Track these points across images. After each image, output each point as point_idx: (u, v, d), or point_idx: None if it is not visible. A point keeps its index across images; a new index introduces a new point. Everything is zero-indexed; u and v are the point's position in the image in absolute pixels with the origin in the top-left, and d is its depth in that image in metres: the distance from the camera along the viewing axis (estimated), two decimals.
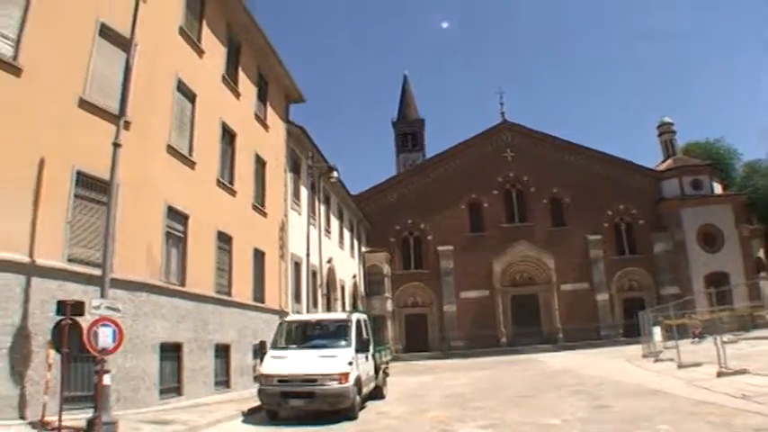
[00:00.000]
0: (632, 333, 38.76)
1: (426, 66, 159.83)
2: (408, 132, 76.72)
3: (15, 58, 12.06)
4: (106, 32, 14.31)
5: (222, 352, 18.78)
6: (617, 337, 45.70)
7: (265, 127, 24.82)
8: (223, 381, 18.72)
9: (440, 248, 49.98)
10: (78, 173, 13.00)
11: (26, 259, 11.68)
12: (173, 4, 17.58)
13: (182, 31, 17.94)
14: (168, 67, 16.85)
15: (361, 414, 13.55)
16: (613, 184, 50.33)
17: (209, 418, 12.84)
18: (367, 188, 52.56)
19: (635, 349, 30.96)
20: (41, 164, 12.20)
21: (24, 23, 12.27)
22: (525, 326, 48.00)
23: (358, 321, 15.00)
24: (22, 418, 11.12)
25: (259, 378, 14.00)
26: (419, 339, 48.44)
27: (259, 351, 17.79)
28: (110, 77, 13.97)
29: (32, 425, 10.76)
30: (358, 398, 13.42)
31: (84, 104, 13.52)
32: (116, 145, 11.89)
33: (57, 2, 13.07)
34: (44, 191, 12.17)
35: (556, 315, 47.83)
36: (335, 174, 27.41)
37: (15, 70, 12.03)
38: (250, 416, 13.87)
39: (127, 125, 12.87)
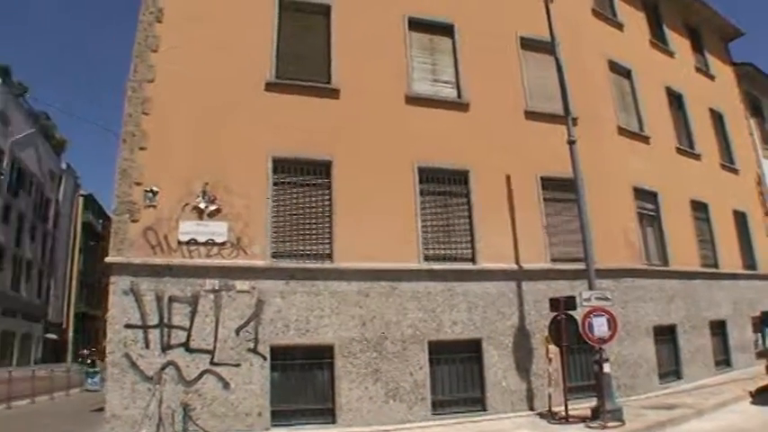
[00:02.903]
0: None
1: None
2: None
3: (459, 96, 13.47)
4: (527, 43, 14.65)
5: (718, 329, 16.69)
6: None
7: (710, 77, 21.58)
8: (722, 360, 16.58)
9: None
10: (541, 178, 13.44)
11: (514, 267, 12.55)
12: None
13: (595, 13, 16.88)
14: (594, 52, 15.98)
15: None
16: None
17: (714, 401, 11.81)
18: None
19: None
20: (507, 179, 13.07)
21: (457, 65, 13.67)
22: None
23: None
24: (531, 409, 11.79)
25: (764, 354, 11.97)
26: None
27: (759, 324, 15.37)
28: (544, 82, 14.05)
29: (540, 415, 11.27)
30: None
31: (530, 115, 13.98)
32: (571, 142, 11.79)
33: (477, 33, 14.05)
34: (516, 202, 13.00)
35: None
36: None
37: (463, 107, 13.40)
38: (758, 396, 12.20)
39: (574, 121, 12.57)
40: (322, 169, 11.83)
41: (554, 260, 13.02)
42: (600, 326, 10.51)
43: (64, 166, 58.26)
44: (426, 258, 11.95)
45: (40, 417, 13.87)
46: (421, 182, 12.36)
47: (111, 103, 63.31)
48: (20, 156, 44.49)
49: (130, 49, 11.62)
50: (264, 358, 10.53)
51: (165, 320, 10.33)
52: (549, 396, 11.25)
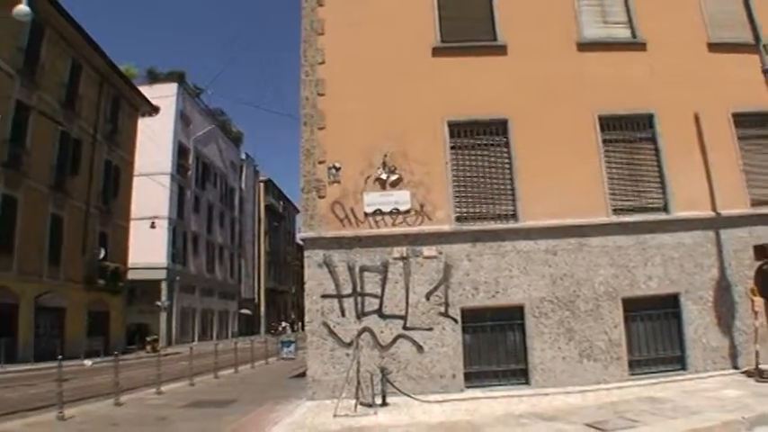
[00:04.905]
0: None
1: None
2: None
3: (634, 36, 12.22)
4: None
5: None
6: None
7: None
8: None
9: None
10: (733, 114, 11.95)
11: (710, 214, 11.36)
12: None
13: None
14: None
15: None
16: None
17: None
18: None
19: None
20: (696, 119, 11.76)
21: (628, 3, 12.36)
22: None
23: None
24: (735, 367, 10.69)
25: None
26: None
27: None
28: (726, 9, 12.44)
29: (747, 373, 10.17)
30: None
31: (714, 47, 12.42)
32: (766, 71, 10.40)
33: None
34: (707, 143, 11.68)
35: None
36: None
37: (639, 47, 12.14)
38: None
39: (766, 48, 11.06)
40: (498, 128, 11.40)
41: (755, 204, 11.61)
42: None
43: (243, 155, 62.65)
44: (615, 211, 11.16)
45: (245, 384, 14.76)
46: (602, 131, 11.50)
47: (287, 93, 67.14)
48: (203, 151, 48.53)
49: (298, 37, 11.84)
50: (456, 321, 10.47)
51: (358, 289, 10.59)
52: (756, 353, 10.14)
